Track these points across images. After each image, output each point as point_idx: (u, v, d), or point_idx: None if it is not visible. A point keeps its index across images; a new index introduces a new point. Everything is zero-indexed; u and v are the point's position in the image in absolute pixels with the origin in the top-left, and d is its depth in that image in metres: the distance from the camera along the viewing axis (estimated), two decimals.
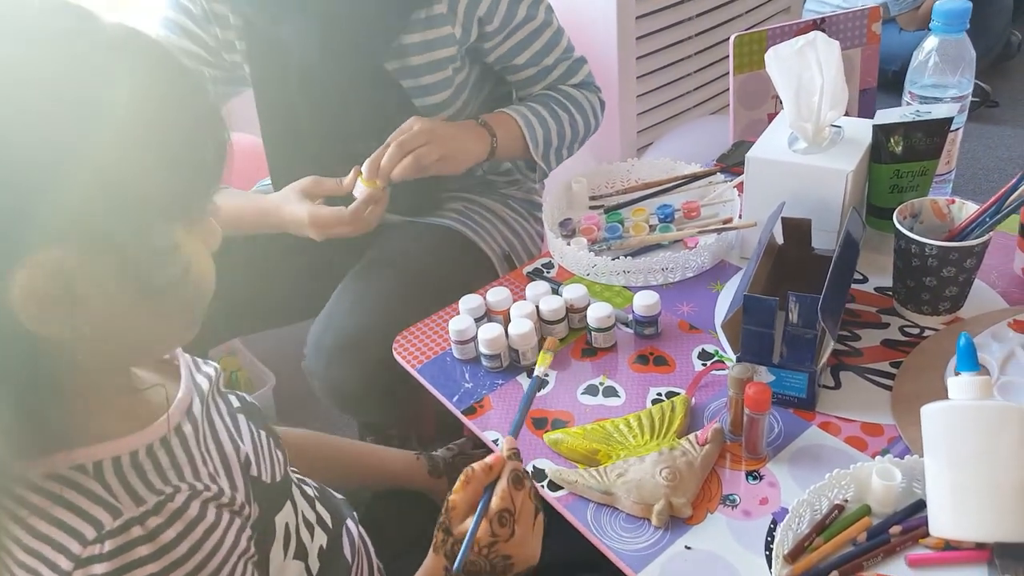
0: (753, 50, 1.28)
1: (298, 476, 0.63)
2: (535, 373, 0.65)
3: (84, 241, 0.40)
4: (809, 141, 0.81)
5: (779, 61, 0.79)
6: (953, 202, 0.75)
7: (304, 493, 0.61)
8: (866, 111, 1.38)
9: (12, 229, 0.38)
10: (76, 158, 0.38)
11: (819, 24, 1.31)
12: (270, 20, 0.93)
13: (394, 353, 0.85)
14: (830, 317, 0.65)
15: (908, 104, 0.86)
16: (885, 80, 2.45)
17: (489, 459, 0.57)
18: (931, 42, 0.82)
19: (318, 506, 0.62)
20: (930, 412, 0.57)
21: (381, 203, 0.90)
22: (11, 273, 0.38)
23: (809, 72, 0.78)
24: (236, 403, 0.59)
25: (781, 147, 0.83)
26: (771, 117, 1.23)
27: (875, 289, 0.83)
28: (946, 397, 0.58)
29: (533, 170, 1.08)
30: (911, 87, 0.84)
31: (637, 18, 1.59)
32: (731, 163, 1.09)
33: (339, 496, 0.69)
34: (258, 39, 0.95)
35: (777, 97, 1.29)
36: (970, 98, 0.85)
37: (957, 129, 0.86)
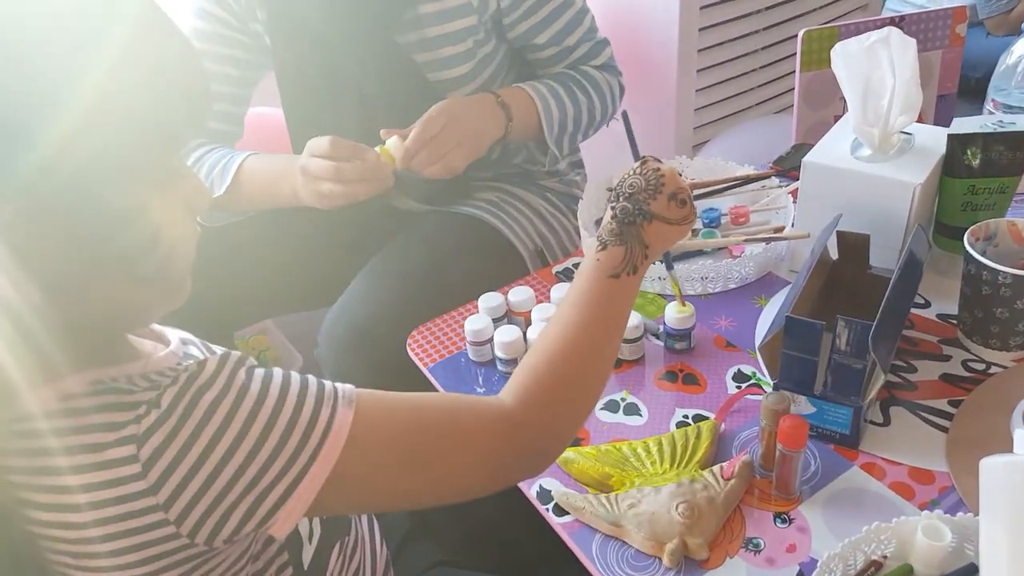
0: (823, 47, 1.19)
1: None
2: None
3: (24, 199, 0.37)
4: (875, 148, 0.73)
5: (847, 58, 0.71)
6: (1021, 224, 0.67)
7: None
8: (943, 119, 1.27)
9: None
10: (25, 107, 0.36)
11: (898, 22, 1.21)
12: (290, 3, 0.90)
13: (407, 348, 0.80)
14: (883, 347, 0.58)
15: (990, 113, 0.77)
16: (968, 87, 2.29)
17: None
18: (1021, 47, 0.73)
19: None
20: (991, 465, 0.50)
21: (382, 180, 0.84)
22: None
23: (879, 72, 0.70)
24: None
25: (843, 153, 0.75)
26: (838, 119, 1.15)
27: (938, 316, 0.75)
28: (1011, 449, 0.50)
29: (544, 153, 1.02)
30: (995, 94, 0.76)
31: (701, 8, 1.51)
32: (788, 167, 1.01)
33: None
34: (276, 8, 0.92)
35: (842, 98, 1.20)
36: None
37: None
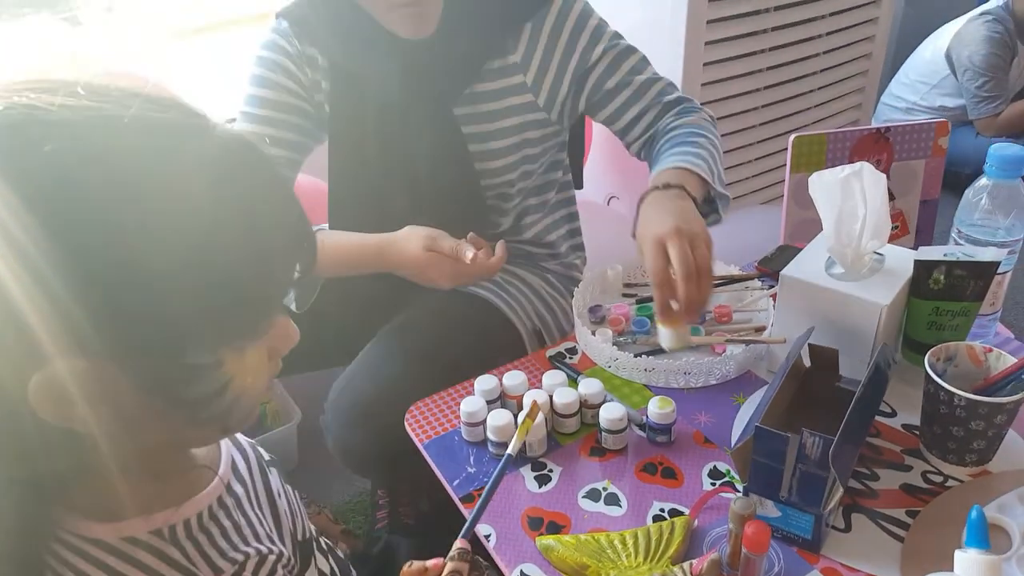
0: (812, 151, 1.28)
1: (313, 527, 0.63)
2: (507, 450, 0.65)
3: (111, 353, 0.37)
4: (847, 267, 0.79)
5: (823, 187, 0.78)
6: (991, 351, 0.73)
7: (319, 547, 0.62)
8: (926, 224, 1.35)
9: (32, 336, 0.35)
10: (116, 265, 0.36)
11: (884, 133, 1.30)
12: (355, 62, 0.98)
13: (405, 424, 0.85)
14: (842, 463, 0.63)
15: (956, 241, 0.83)
16: (958, 182, 2.40)
17: (429, 562, 0.56)
18: (984, 183, 0.80)
19: (330, 559, 0.62)
20: None
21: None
22: (30, 375, 0.37)
23: (852, 201, 0.77)
24: (266, 456, 0.60)
25: (818, 269, 0.82)
26: None
27: (902, 426, 0.80)
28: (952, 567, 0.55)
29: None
30: (959, 224, 0.82)
31: (702, 104, 1.60)
32: (771, 268, 1.07)
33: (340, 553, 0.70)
34: (342, 78, 0.99)
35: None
36: (1021, 242, 0.82)
37: (1005, 272, 0.83)
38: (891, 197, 1.33)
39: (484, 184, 1.03)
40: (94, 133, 0.37)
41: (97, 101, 0.38)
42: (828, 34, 1.71)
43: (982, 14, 2.35)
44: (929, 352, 0.73)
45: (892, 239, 1.38)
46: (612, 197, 1.96)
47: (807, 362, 0.79)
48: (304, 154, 1.04)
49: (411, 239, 0.91)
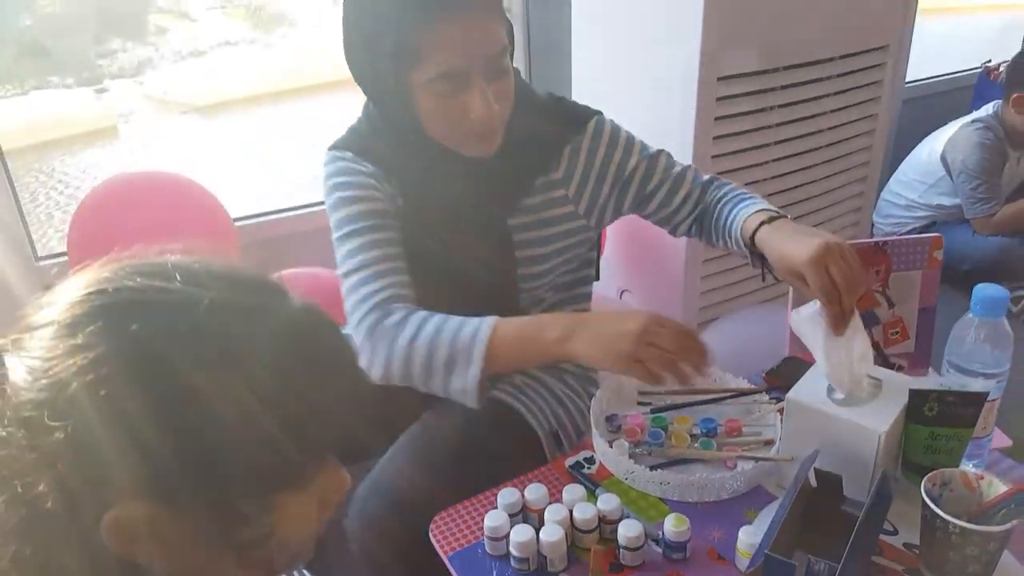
0: None
1: None
2: None
3: (169, 499, 0.43)
4: (846, 393, 0.86)
5: (803, 322, 0.85)
6: (982, 477, 0.78)
7: None
8: (925, 330, 1.41)
9: (112, 479, 0.42)
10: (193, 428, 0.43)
11: (882, 246, 1.38)
12: (424, 180, 1.07)
13: (430, 535, 0.90)
14: None
15: (947, 371, 0.90)
16: (958, 277, 2.50)
17: None
18: (971, 320, 0.87)
19: None
20: None
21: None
22: (104, 511, 0.43)
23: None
24: None
25: (820, 392, 0.88)
26: None
27: (904, 544, 0.84)
28: None
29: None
30: (950, 356, 0.89)
31: None
32: (779, 382, 1.13)
33: None
34: (412, 194, 1.08)
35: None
36: (1007, 375, 0.89)
37: (995, 400, 0.89)
38: (890, 305, 1.40)
39: (521, 288, 1.13)
40: (179, 315, 0.45)
41: (185, 285, 0.47)
42: (830, 129, 1.82)
43: (973, 121, 2.47)
44: (925, 478, 0.78)
45: (893, 344, 1.46)
46: (624, 291, 2.04)
47: (813, 482, 0.85)
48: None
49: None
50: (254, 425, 0.44)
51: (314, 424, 0.48)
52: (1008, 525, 0.72)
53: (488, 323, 0.93)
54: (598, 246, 1.30)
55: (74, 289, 0.46)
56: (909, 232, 2.65)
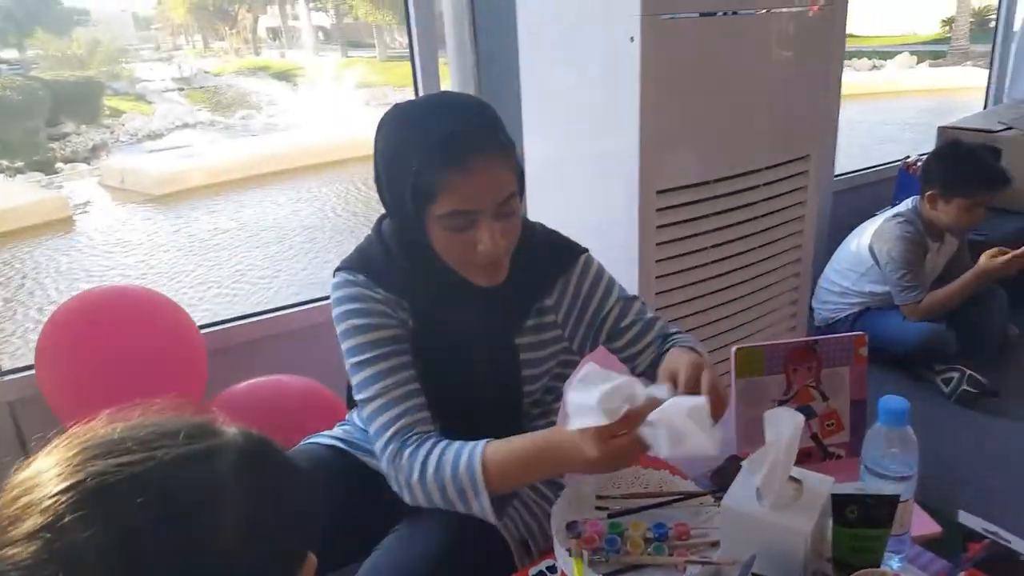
0: (753, 360, 1.46)
1: None
2: None
3: None
4: (771, 498, 0.95)
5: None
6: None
7: None
8: (858, 420, 1.52)
9: None
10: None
11: (812, 345, 1.50)
12: (436, 304, 1.16)
13: None
14: None
15: (865, 475, 1.00)
16: (894, 359, 2.64)
17: None
18: (880, 429, 0.98)
19: None
20: None
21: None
22: None
23: None
24: None
25: (751, 497, 0.97)
26: None
27: None
28: None
29: None
30: (865, 461, 0.99)
31: (657, 293, 1.82)
32: (722, 483, 1.22)
33: None
34: (423, 318, 1.17)
35: (776, 400, 1.46)
36: (916, 475, 0.99)
37: (907, 500, 0.99)
38: (824, 398, 1.52)
39: (525, 393, 1.24)
40: (143, 486, 0.53)
41: (141, 453, 0.54)
42: (763, 231, 1.97)
43: (895, 215, 2.68)
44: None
45: (829, 435, 1.57)
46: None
47: None
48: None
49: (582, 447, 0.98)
50: (229, 558, 0.52)
51: (281, 540, 0.56)
52: None
53: (477, 455, 1.04)
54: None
55: (48, 484, 0.52)
56: (847, 317, 2.81)
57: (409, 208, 1.04)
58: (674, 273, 1.81)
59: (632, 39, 1.51)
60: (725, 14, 1.71)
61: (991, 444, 2.30)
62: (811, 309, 2.81)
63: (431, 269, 1.12)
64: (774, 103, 1.87)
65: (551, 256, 1.21)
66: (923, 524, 1.20)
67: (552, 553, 1.09)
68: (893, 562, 1.01)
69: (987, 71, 4.22)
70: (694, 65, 1.67)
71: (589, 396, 0.92)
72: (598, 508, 1.18)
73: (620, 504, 1.18)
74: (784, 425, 0.97)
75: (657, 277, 1.78)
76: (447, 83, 2.10)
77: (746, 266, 1.96)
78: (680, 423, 0.91)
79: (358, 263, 1.17)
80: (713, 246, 1.86)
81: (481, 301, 1.14)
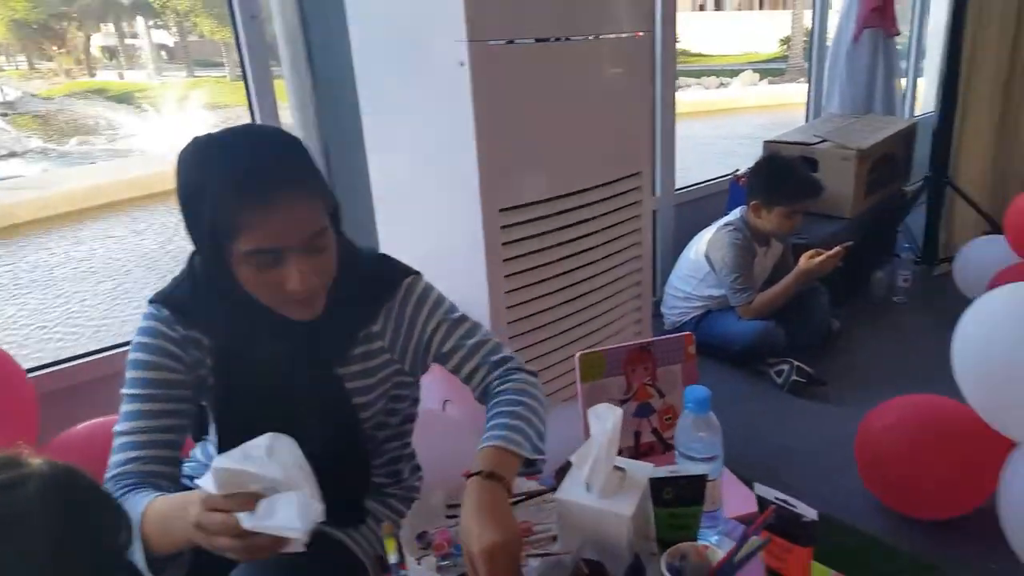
0: (595, 364, 1.56)
1: None
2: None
3: None
4: (599, 487, 1.03)
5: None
6: (707, 548, 0.97)
7: None
8: None
9: None
10: None
11: (647, 347, 1.62)
12: (243, 342, 1.12)
13: None
14: None
15: (679, 459, 1.10)
16: (732, 356, 2.85)
17: None
18: (688, 416, 1.09)
19: None
20: None
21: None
22: None
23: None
24: None
25: (581, 488, 1.04)
26: None
27: None
28: None
29: (531, 464, 1.16)
30: (678, 446, 1.09)
31: (508, 307, 1.88)
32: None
33: None
34: (227, 356, 1.13)
35: (617, 400, 1.56)
36: (721, 455, 1.11)
37: (715, 479, 1.10)
38: (661, 395, 1.65)
39: (362, 420, 1.23)
40: None
41: None
42: (604, 243, 2.10)
43: (726, 224, 2.93)
44: (665, 553, 0.96)
45: (667, 428, 1.68)
46: (447, 401, 2.17)
47: (585, 570, 1.00)
48: (189, 419, 1.16)
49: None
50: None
51: (92, 563, 0.58)
52: None
53: (139, 510, 0.95)
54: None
55: None
56: (691, 319, 3.03)
57: (211, 246, 1.01)
58: (523, 287, 1.90)
59: (462, 64, 1.58)
60: (556, 40, 1.83)
61: (820, 427, 2.54)
62: (652, 317, 3.00)
63: (240, 305, 1.07)
64: (606, 124, 2.01)
65: (376, 282, 1.21)
66: (751, 503, 1.32)
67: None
68: (711, 536, 1.11)
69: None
70: (527, 88, 1.77)
71: (231, 461, 0.85)
72: (448, 516, 1.22)
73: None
74: (606, 420, 1.05)
75: (507, 292, 1.85)
76: (286, 104, 2.09)
77: (590, 277, 2.08)
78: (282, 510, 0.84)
79: (167, 297, 1.14)
80: (558, 260, 1.96)
81: (298, 334, 1.13)
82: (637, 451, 1.60)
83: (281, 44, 1.98)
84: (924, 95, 5.57)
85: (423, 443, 1.45)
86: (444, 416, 2.03)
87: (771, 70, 17.67)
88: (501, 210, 1.76)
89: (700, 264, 2.96)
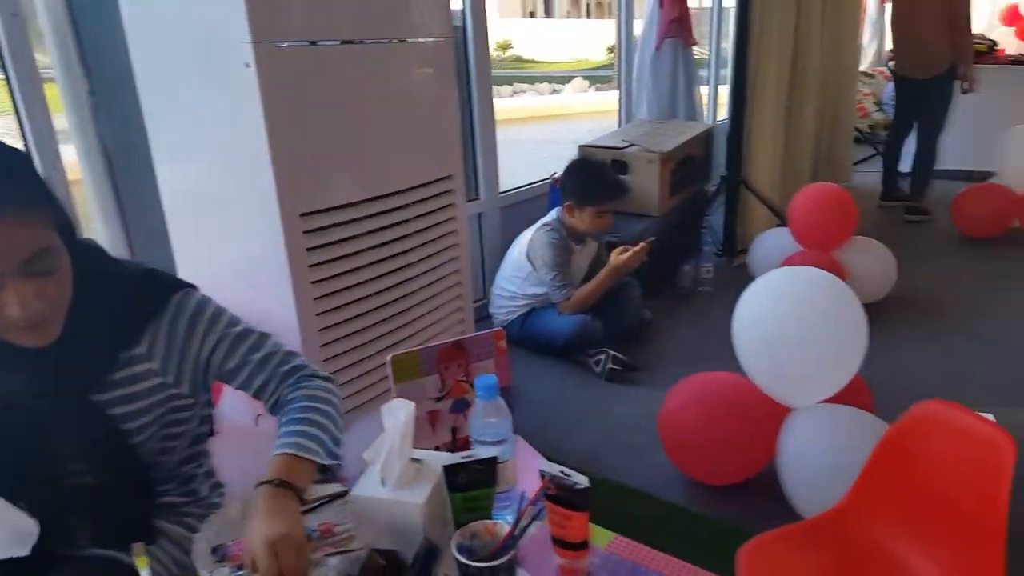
0: (409, 364, 1.58)
1: None
2: None
3: None
4: (393, 479, 1.05)
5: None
6: (496, 524, 1.02)
7: None
8: (508, 405, 1.72)
9: None
10: None
11: (459, 344, 1.66)
12: None
13: None
14: None
15: (474, 444, 1.15)
16: (556, 349, 2.97)
17: None
18: (479, 403, 1.14)
19: None
20: None
21: None
22: None
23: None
24: None
25: (376, 484, 1.06)
26: (429, 415, 1.52)
27: None
28: None
29: (326, 470, 1.12)
30: (471, 433, 1.14)
31: (318, 314, 1.86)
32: None
33: None
34: None
35: (433, 398, 1.59)
36: (511, 438, 1.16)
37: (506, 461, 1.16)
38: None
39: (136, 446, 1.14)
40: None
41: None
42: (420, 246, 2.12)
43: (544, 225, 3.07)
44: (456, 533, 0.99)
45: None
46: (259, 416, 2.10)
47: (381, 561, 1.02)
48: None
49: None
50: None
51: None
52: (500, 560, 0.95)
53: None
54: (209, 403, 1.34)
55: None
56: (518, 317, 3.13)
57: None
58: (334, 293, 1.88)
59: (247, 65, 1.54)
60: (356, 43, 1.83)
61: (635, 409, 2.72)
62: (475, 319, 3.08)
63: None
64: (413, 128, 2.04)
65: (139, 300, 1.13)
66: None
67: None
68: (507, 515, 1.16)
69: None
70: (327, 90, 1.76)
71: None
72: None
73: None
74: (398, 414, 1.08)
75: (316, 298, 1.83)
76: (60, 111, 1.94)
77: (407, 280, 2.10)
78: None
79: None
80: (371, 263, 1.97)
81: (42, 363, 1.04)
82: (455, 446, 1.64)
83: (49, 44, 1.83)
84: (727, 102, 6.10)
85: (235, 459, 1.40)
86: (256, 431, 1.97)
87: (599, 77, 18.54)
88: (302, 215, 1.74)
89: (523, 264, 3.07)
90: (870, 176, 5.79)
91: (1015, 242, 4.43)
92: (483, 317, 3.34)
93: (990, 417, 2.62)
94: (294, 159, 1.68)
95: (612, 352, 2.95)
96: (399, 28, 1.93)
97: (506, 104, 13.94)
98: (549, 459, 1.11)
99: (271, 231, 1.68)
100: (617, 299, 3.16)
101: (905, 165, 5.03)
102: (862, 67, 7.43)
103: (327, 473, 1.18)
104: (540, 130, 11.90)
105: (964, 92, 4.61)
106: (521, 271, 3.09)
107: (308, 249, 1.76)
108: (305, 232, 1.74)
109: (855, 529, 1.28)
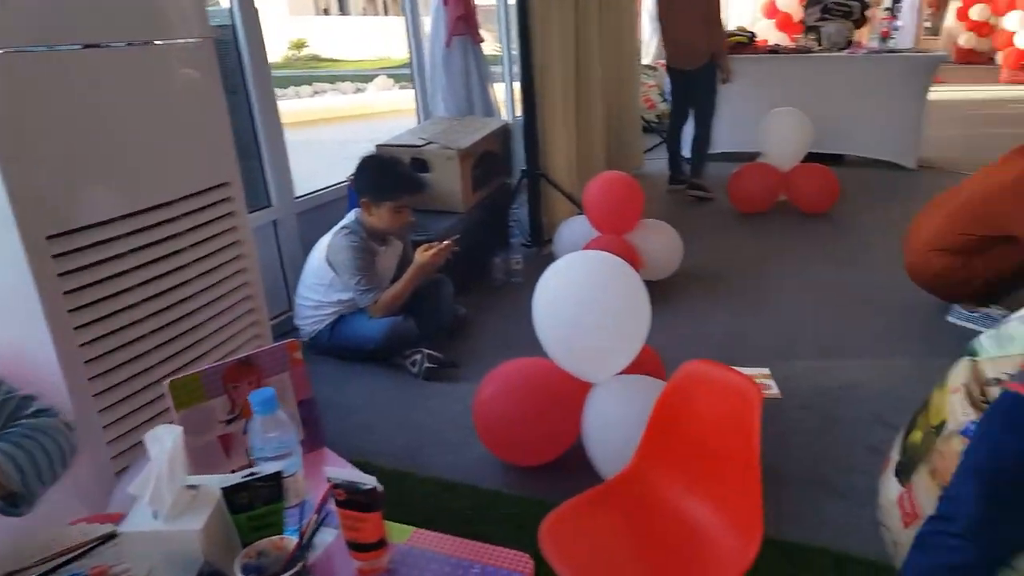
0: (190, 388, 1.46)
1: None
2: None
3: None
4: (167, 508, 0.97)
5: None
6: (283, 539, 0.97)
7: None
8: (311, 417, 1.64)
9: None
10: None
11: (247, 360, 1.56)
12: None
13: None
14: None
15: (258, 462, 1.09)
16: (369, 354, 2.91)
17: None
18: (256, 419, 1.08)
19: None
20: None
21: None
22: None
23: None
24: None
25: (148, 516, 0.97)
26: (221, 439, 1.42)
27: None
28: None
29: (16, 505, 1.07)
30: (253, 451, 1.08)
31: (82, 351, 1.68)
32: None
33: None
34: None
35: (224, 421, 1.48)
36: (298, 450, 1.12)
37: (293, 474, 1.11)
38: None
39: None
40: None
41: None
42: (200, 259, 1.98)
43: (342, 228, 2.99)
44: (241, 554, 0.93)
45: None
46: None
47: None
48: None
49: None
50: None
51: None
52: (292, 571, 0.91)
53: None
54: None
55: None
56: (327, 327, 3.03)
57: None
58: (98, 320, 1.70)
59: None
60: (97, 46, 1.67)
61: (454, 404, 2.73)
62: (272, 333, 2.95)
63: None
64: (175, 135, 1.88)
65: None
66: None
67: None
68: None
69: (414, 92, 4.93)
70: (69, 99, 1.58)
71: None
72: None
73: (35, 572, 1.07)
74: (164, 440, 0.99)
75: (77, 328, 1.64)
76: None
77: (187, 299, 1.94)
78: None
79: None
80: (143, 283, 1.80)
81: None
82: None
83: None
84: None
85: None
86: None
87: (404, 75, 18.41)
88: (49, 237, 1.56)
89: (325, 270, 2.97)
90: (659, 163, 6.24)
91: (782, 213, 4.98)
92: (290, 330, 3.20)
93: (765, 371, 2.91)
94: (35, 176, 1.50)
95: (428, 351, 2.94)
96: (148, 30, 1.79)
97: (306, 105, 13.52)
98: (364, 466, 1.07)
99: (12, 258, 1.49)
100: (429, 297, 3.16)
101: (687, 150, 5.48)
102: (645, 61, 8.00)
103: (14, 506, 1.10)
104: (343, 130, 11.64)
105: (723, 82, 5.11)
106: (324, 278, 2.99)
107: (60, 275, 1.57)
108: (55, 256, 1.56)
109: (642, 485, 1.37)
